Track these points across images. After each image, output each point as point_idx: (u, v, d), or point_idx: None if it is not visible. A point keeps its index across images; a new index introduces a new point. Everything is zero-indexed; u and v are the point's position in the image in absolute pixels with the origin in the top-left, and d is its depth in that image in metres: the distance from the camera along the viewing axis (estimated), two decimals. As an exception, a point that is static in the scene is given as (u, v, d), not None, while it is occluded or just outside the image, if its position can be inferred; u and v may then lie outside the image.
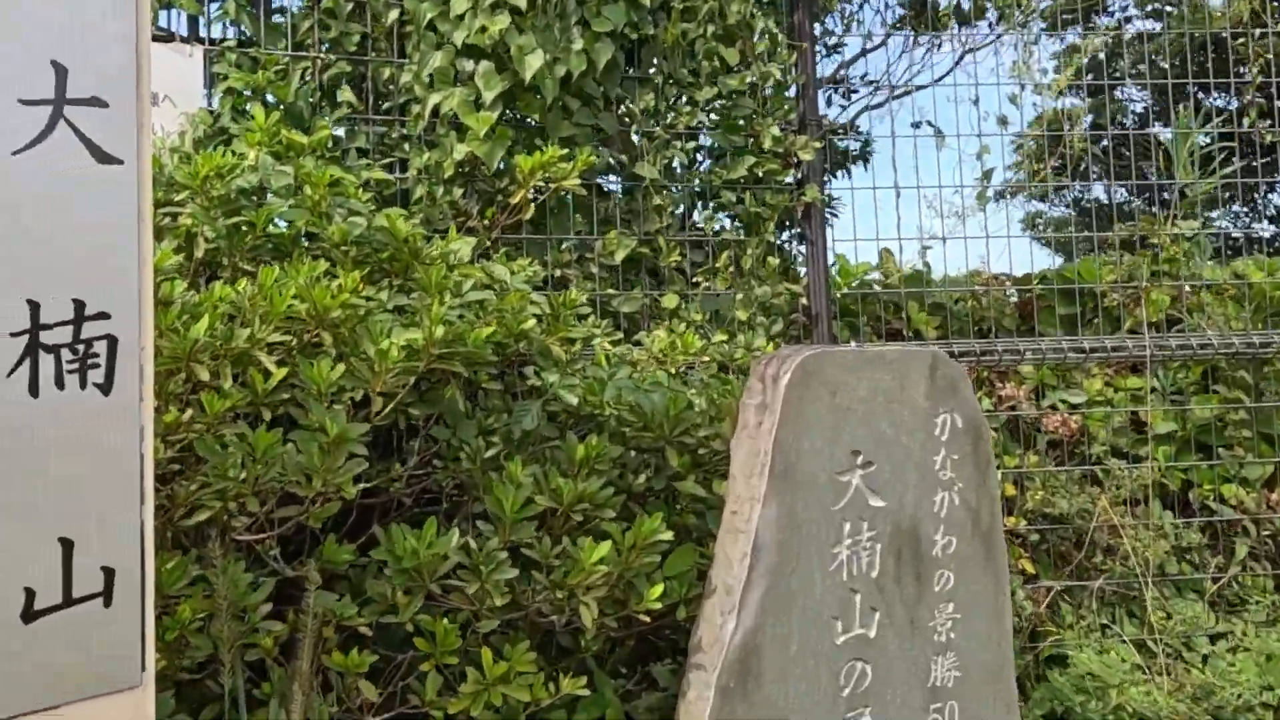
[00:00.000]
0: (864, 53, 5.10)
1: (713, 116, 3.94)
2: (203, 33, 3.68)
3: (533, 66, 3.47)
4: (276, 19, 3.73)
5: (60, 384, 1.52)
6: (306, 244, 2.84)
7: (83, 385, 1.54)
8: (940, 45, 4.95)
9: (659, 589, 2.37)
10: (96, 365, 1.55)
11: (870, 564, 2.50)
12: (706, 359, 3.24)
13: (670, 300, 3.72)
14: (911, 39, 4.96)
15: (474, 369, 2.51)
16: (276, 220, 2.82)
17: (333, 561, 2.37)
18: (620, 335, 3.45)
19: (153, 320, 1.64)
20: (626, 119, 3.86)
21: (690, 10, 3.85)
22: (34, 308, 1.49)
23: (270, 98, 3.41)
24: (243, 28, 3.59)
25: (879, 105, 5.70)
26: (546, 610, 2.43)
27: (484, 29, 3.50)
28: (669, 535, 2.39)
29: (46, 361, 1.50)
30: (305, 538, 2.50)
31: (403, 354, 2.27)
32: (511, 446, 2.66)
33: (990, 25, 5.14)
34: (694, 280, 3.87)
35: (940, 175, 5.82)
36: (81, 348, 1.54)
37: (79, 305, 1.53)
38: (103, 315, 1.56)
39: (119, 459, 1.59)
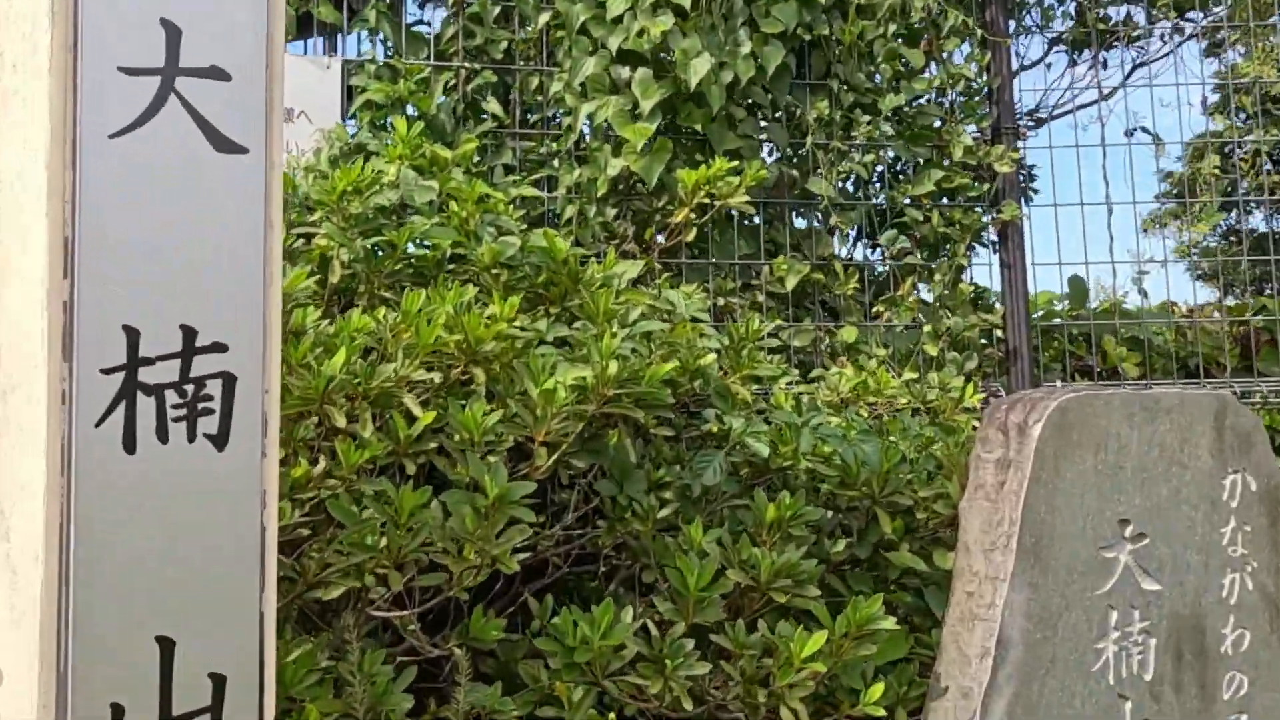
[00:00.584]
0: (1044, 56, 4.58)
1: (895, 125, 3.49)
2: (341, 46, 3.43)
3: (699, 71, 3.09)
4: (419, 28, 3.45)
5: (163, 435, 1.17)
6: (452, 267, 2.51)
7: (191, 437, 1.19)
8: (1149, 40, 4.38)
9: (879, 689, 1.91)
10: (210, 411, 1.20)
11: (1143, 664, 1.98)
12: (905, 402, 2.77)
13: (849, 333, 3.27)
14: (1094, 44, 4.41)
15: (648, 412, 2.11)
16: (419, 241, 2.49)
17: (480, 638, 1.98)
18: (797, 373, 3.01)
19: (280, 355, 1.29)
20: (798, 130, 3.44)
21: (869, 7, 3.42)
22: (131, 336, 1.15)
23: (411, 110, 3.12)
24: (384, 37, 3.32)
25: (1063, 113, 5.16)
26: (733, 707, 1.99)
27: (643, 32, 3.14)
28: (890, 623, 1.94)
29: (146, 406, 1.16)
30: (448, 606, 2.14)
31: (571, 395, 1.88)
32: (687, 504, 2.25)
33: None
34: (874, 310, 3.40)
35: (1135, 191, 5.18)
36: (191, 388, 1.19)
37: (188, 334, 1.19)
38: (218, 347, 1.21)
39: (234, 532, 1.23)
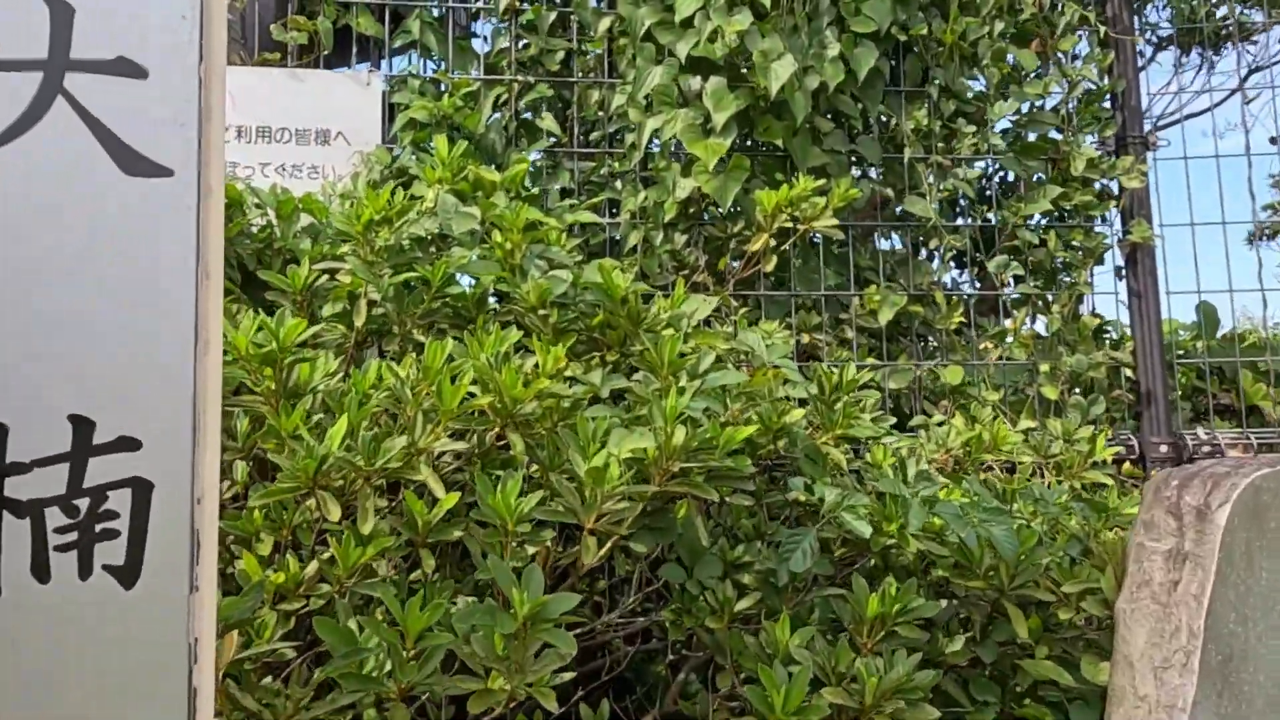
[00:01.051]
0: (1178, 55, 4.10)
1: (1005, 136, 3.08)
2: (384, 61, 3.14)
3: (780, 76, 2.72)
4: (468, 39, 3.14)
5: (42, 573, 0.84)
6: (495, 306, 2.17)
7: (85, 572, 0.86)
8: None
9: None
10: (113, 534, 0.87)
11: (1366, 818, 1.53)
12: (1028, 460, 2.35)
13: (953, 374, 2.85)
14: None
15: (722, 486, 1.74)
16: (458, 276, 2.16)
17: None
18: (892, 421, 2.61)
19: (218, 446, 0.95)
20: (892, 143, 3.04)
21: (972, 4, 3.01)
22: (-4, 435, 0.82)
23: (457, 129, 2.81)
24: (429, 48, 3.02)
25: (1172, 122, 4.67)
26: None
27: (716, 35, 2.79)
28: (1032, 759, 1.53)
29: (17, 531, 0.83)
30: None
31: (626, 472, 1.52)
32: (770, 591, 1.86)
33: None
34: (981, 347, 2.98)
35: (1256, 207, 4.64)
36: (85, 503, 0.85)
37: (82, 426, 0.85)
38: (126, 443, 0.87)
39: (149, 701, 0.89)
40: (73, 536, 0.85)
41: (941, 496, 1.95)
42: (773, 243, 2.74)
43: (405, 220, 2.18)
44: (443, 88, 2.99)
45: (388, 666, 1.28)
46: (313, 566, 1.35)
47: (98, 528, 0.86)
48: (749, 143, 2.98)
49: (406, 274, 2.11)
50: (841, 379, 2.07)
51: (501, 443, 1.69)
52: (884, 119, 3.05)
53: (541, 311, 2.01)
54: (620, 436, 1.56)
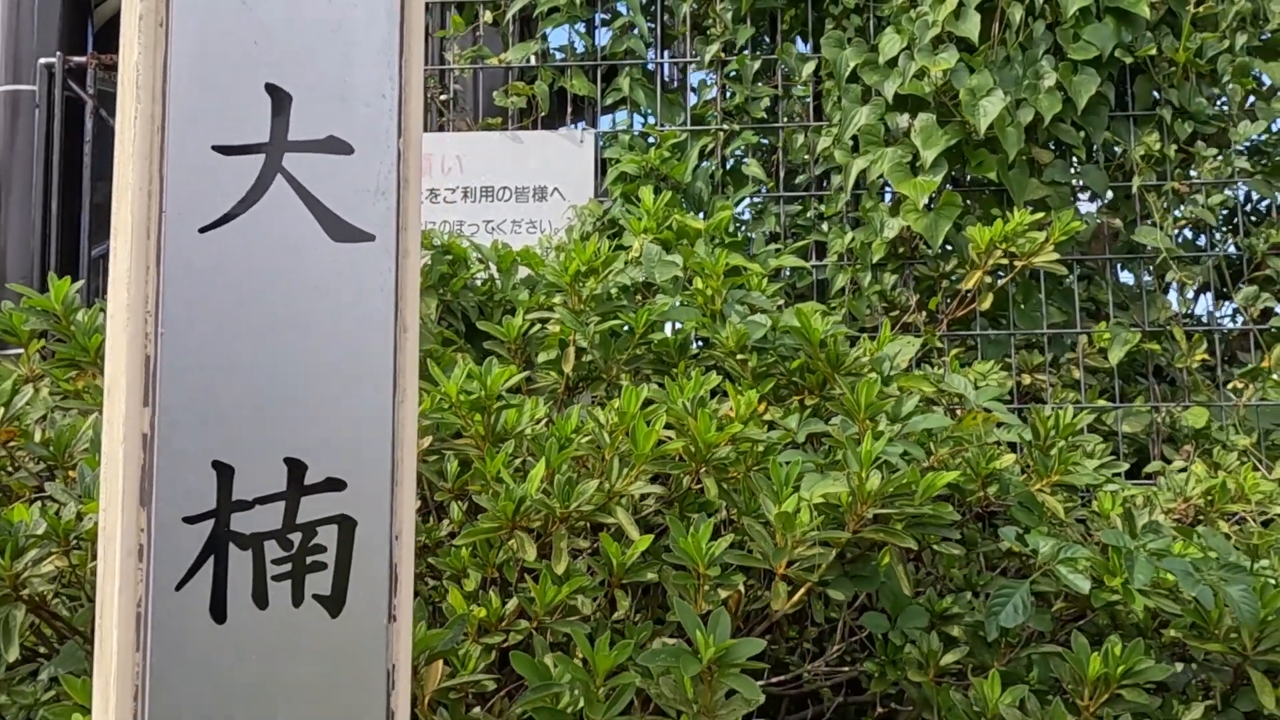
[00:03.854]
0: None
1: (1250, 158, 2.83)
2: (596, 118, 3.28)
3: (989, 114, 2.64)
4: (676, 92, 3.24)
5: (261, 599, 0.93)
6: (696, 352, 2.21)
7: (298, 600, 0.95)
8: None
9: None
10: (322, 566, 0.96)
11: None
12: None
13: (1197, 416, 2.63)
14: None
15: (924, 534, 1.68)
16: (662, 322, 2.22)
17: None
18: (1124, 468, 2.43)
19: (414, 489, 1.02)
20: (1120, 170, 2.87)
21: (1208, 18, 2.81)
22: (223, 474, 0.92)
23: (665, 180, 2.90)
24: (639, 103, 3.14)
25: None
26: None
27: (923, 74, 2.74)
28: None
29: (240, 562, 0.93)
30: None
31: (818, 517, 1.50)
32: (980, 646, 1.78)
33: None
34: (1229, 386, 2.74)
35: None
36: (298, 538, 0.95)
37: (295, 469, 0.95)
38: (333, 484, 0.96)
39: (352, 714, 0.96)
40: (287, 567, 0.94)
41: (1175, 550, 1.80)
42: (988, 280, 2.65)
43: (611, 270, 2.27)
44: (651, 141, 3.09)
45: (580, 706, 1.32)
46: (513, 603, 1.42)
47: (308, 560, 0.95)
48: (961, 178, 2.89)
49: (612, 322, 2.18)
50: (1059, 421, 1.96)
51: (698, 486, 1.71)
52: (1111, 146, 2.89)
53: (740, 356, 2.03)
54: (812, 481, 1.55)
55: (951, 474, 1.64)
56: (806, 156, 3.06)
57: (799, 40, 3.10)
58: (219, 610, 0.92)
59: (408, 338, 1.01)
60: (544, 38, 3.07)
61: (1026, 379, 2.82)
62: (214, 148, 0.93)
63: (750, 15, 3.04)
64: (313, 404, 0.96)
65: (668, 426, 1.66)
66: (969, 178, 2.89)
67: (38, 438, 1.74)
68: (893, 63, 2.79)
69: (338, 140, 0.98)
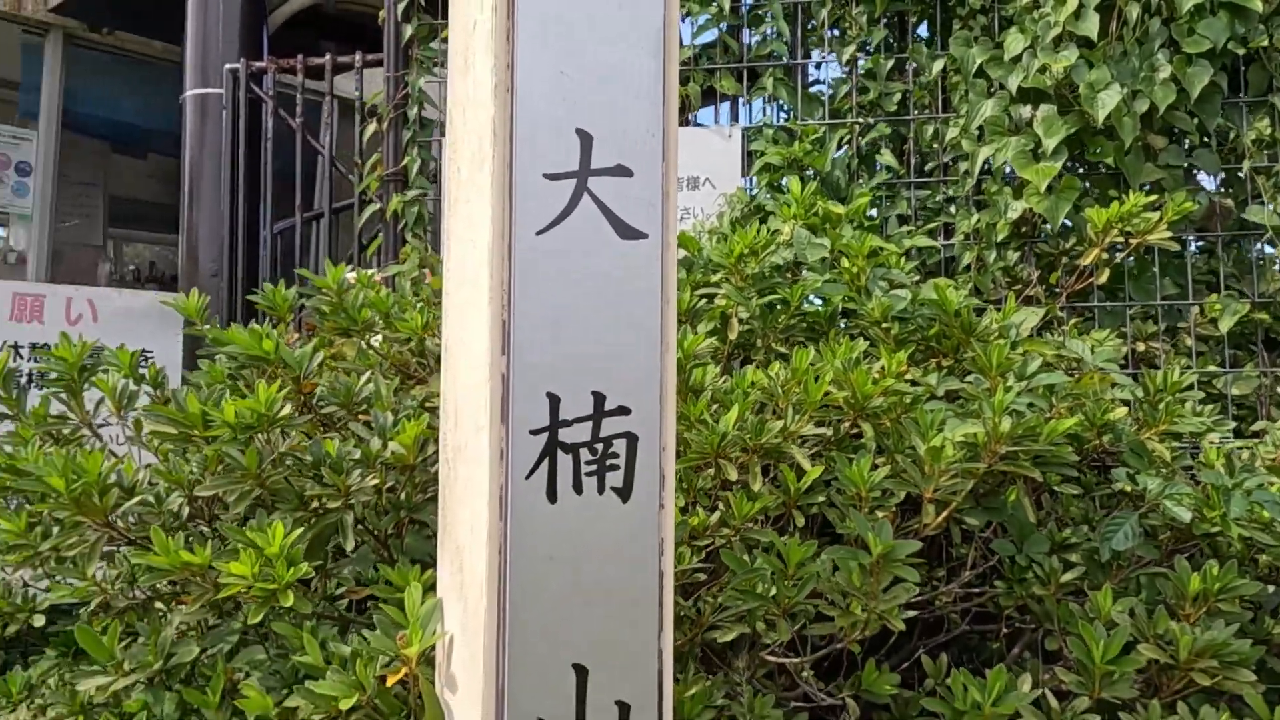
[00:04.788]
0: None
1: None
2: (741, 112, 3.64)
3: (1106, 106, 2.91)
4: (815, 89, 3.58)
5: (578, 487, 1.34)
6: (843, 321, 2.57)
7: (601, 489, 1.36)
8: None
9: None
10: (616, 467, 1.36)
11: None
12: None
13: (1302, 380, 2.86)
14: None
15: (1047, 470, 2.02)
16: (812, 297, 2.58)
17: (872, 690, 1.99)
18: (1231, 426, 2.70)
19: (674, 413, 1.43)
20: (1233, 154, 3.10)
21: (1321, 9, 3.01)
22: (554, 403, 1.34)
23: (806, 169, 3.24)
24: (781, 103, 3.49)
25: None
26: (1149, 796, 1.82)
27: (1044, 69, 3.01)
28: (1348, 721, 1.68)
29: (564, 462, 1.34)
30: (841, 657, 2.17)
31: (959, 452, 1.86)
32: (1095, 568, 2.10)
33: None
34: (1335, 353, 2.96)
35: None
36: (600, 447, 1.36)
37: (599, 399, 1.36)
38: (623, 410, 1.37)
39: (637, 575, 1.37)
40: (594, 467, 1.35)
41: (1272, 489, 2.09)
42: (1104, 256, 2.92)
43: (767, 252, 2.63)
44: (792, 133, 3.44)
45: (773, 592, 1.71)
46: (716, 516, 1.82)
47: (607, 462, 1.36)
48: (1080, 163, 3.16)
49: (769, 296, 2.55)
50: (1165, 380, 2.26)
51: (854, 431, 2.08)
52: (1224, 131, 3.11)
53: (884, 325, 2.38)
54: (954, 425, 1.90)
55: (1071, 420, 1.97)
56: (935, 145, 3.36)
57: (928, 39, 3.39)
58: (551, 494, 1.33)
59: (669, 307, 1.41)
60: (696, 45, 3.44)
61: (1141, 346, 3.08)
62: (544, 175, 1.34)
63: (883, 17, 3.34)
64: (609, 353, 1.36)
65: (830, 383, 2.02)
66: (1087, 162, 3.15)
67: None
68: (1016, 59, 3.07)
69: (623, 167, 1.38)
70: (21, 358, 4.49)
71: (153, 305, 4.80)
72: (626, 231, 1.37)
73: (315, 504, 1.83)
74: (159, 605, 2.13)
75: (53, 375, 2.29)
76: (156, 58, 8.92)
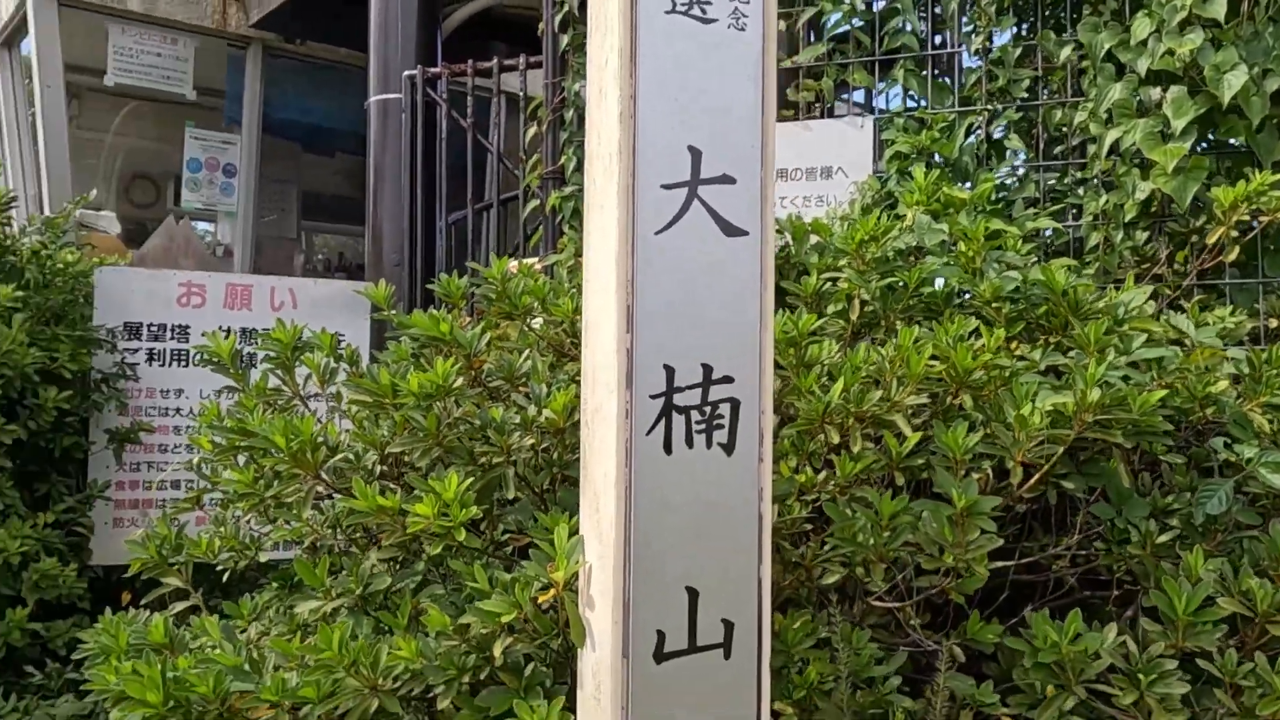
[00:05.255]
0: None
1: None
2: (873, 103, 3.82)
3: (1232, 86, 2.95)
4: (944, 78, 3.72)
5: (690, 443, 1.63)
6: (959, 301, 2.75)
7: (708, 445, 1.64)
8: None
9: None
10: (721, 426, 1.64)
11: None
12: None
13: None
14: None
15: (1141, 439, 2.16)
16: (929, 279, 2.77)
17: (977, 639, 2.20)
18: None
19: (772, 383, 1.69)
20: (1371, 129, 3.08)
21: None
22: (669, 373, 1.63)
23: (936, 156, 3.40)
24: (911, 92, 3.65)
25: None
26: (1230, 737, 1.97)
27: (1171, 52, 3.08)
28: None
29: (678, 422, 1.63)
30: (947, 608, 2.38)
31: (1046, 420, 2.04)
32: (1192, 532, 2.23)
33: None
34: None
35: None
36: (708, 409, 1.64)
37: (707, 370, 1.64)
38: (727, 380, 1.64)
39: (739, 517, 1.65)
40: (703, 426, 1.63)
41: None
42: (1233, 234, 2.97)
43: (889, 237, 2.83)
44: (924, 122, 3.60)
45: (870, 540, 1.95)
46: (824, 475, 2.07)
47: (714, 422, 1.64)
48: (1209, 143, 3.20)
49: (890, 279, 2.76)
50: (1272, 355, 2.34)
51: (957, 402, 2.28)
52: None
53: (995, 304, 2.55)
54: (1046, 395, 2.09)
55: (1161, 392, 2.11)
56: (1064, 129, 3.46)
57: (1056, 25, 3.48)
58: (668, 447, 1.62)
59: (767, 291, 1.68)
60: (829, 39, 3.64)
61: (1274, 323, 3.11)
62: (661, 185, 1.63)
63: (1012, 6, 3.46)
64: (715, 330, 1.64)
65: (933, 357, 2.23)
66: (1220, 142, 3.18)
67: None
68: (1143, 43, 3.14)
69: (728, 176, 1.65)
70: (234, 340, 5.09)
71: (343, 292, 5.34)
72: (730, 230, 1.65)
73: (484, 460, 2.19)
74: (354, 549, 2.54)
75: (271, 354, 2.75)
76: (342, 63, 9.70)
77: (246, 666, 2.12)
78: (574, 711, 1.79)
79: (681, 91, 1.63)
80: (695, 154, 1.64)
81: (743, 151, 1.65)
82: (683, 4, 1.61)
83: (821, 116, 3.70)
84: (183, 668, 2.09)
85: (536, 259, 4.65)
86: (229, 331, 5.05)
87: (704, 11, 1.62)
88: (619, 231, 1.62)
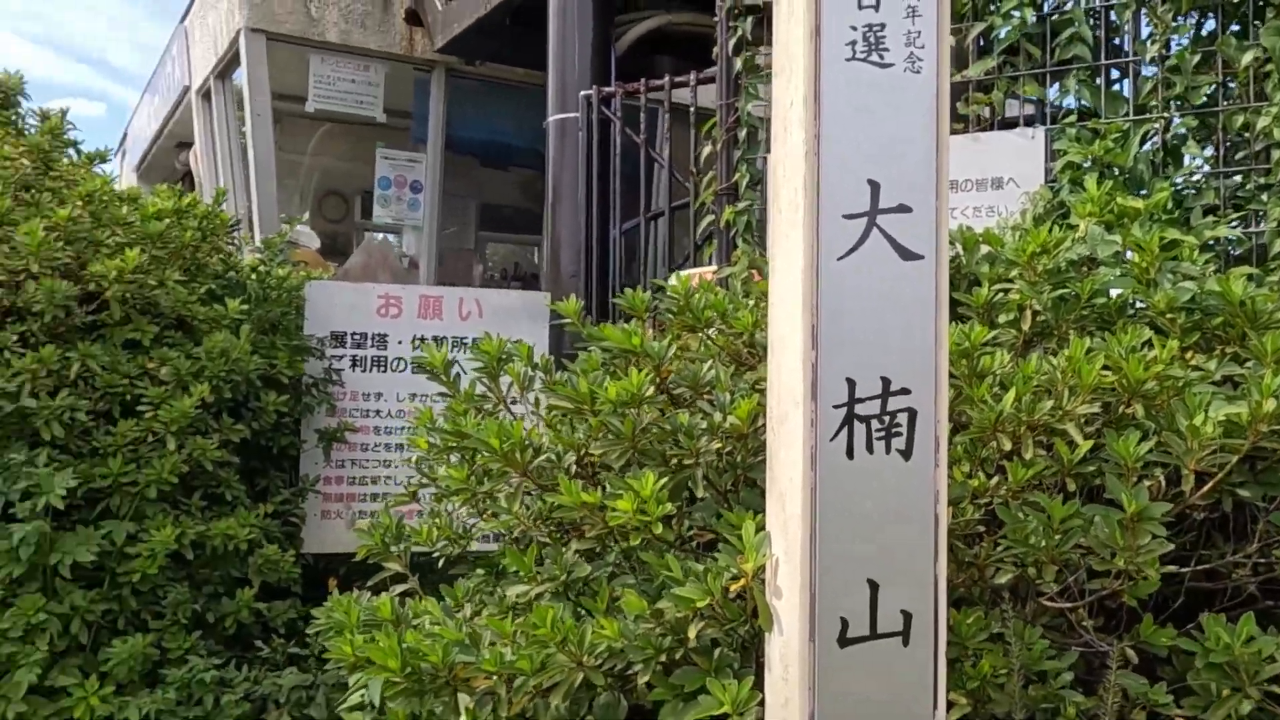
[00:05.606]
0: None
1: None
2: (1044, 114, 3.85)
3: None
4: (1118, 86, 3.72)
5: (869, 449, 1.80)
6: (1133, 312, 2.79)
7: (887, 451, 1.80)
8: None
9: None
10: (899, 434, 1.80)
11: None
12: None
13: None
14: None
15: (1320, 450, 2.18)
16: (1103, 290, 2.82)
17: (1150, 642, 2.27)
18: None
19: (946, 394, 1.84)
20: None
21: None
22: (850, 385, 1.80)
23: (1109, 166, 3.42)
24: (1083, 101, 3.67)
25: None
26: None
27: (1363, 51, 3.01)
28: None
29: (859, 429, 1.80)
30: (1120, 611, 2.44)
31: (1219, 430, 2.09)
32: (1380, 543, 2.23)
33: None
34: None
35: None
36: (887, 419, 1.80)
37: (885, 382, 1.80)
38: (904, 391, 1.80)
39: (916, 516, 1.81)
40: (882, 434, 1.80)
41: None
42: None
43: (1061, 249, 2.90)
44: (1098, 131, 3.61)
45: (1041, 542, 2.06)
46: (995, 480, 2.18)
47: (892, 430, 1.80)
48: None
49: (1061, 290, 2.83)
50: None
51: (1128, 410, 2.35)
52: None
53: (1169, 315, 2.59)
54: (1219, 405, 2.14)
55: (1342, 403, 2.13)
56: (1246, 134, 3.41)
57: (1238, 31, 3.43)
58: (849, 452, 1.80)
59: (941, 310, 1.83)
60: (999, 53, 3.70)
61: None
62: (842, 215, 1.80)
63: (1189, 13, 3.43)
64: (893, 346, 1.80)
65: (1105, 368, 2.31)
66: None
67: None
68: (1332, 45, 3.08)
69: (904, 205, 1.81)
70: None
71: (524, 302, 5.70)
72: (906, 255, 1.81)
73: (674, 461, 2.41)
74: (544, 540, 2.81)
75: (478, 364, 3.06)
76: (518, 82, 10.21)
77: (466, 641, 2.40)
78: (761, 691, 1.98)
79: (861, 130, 1.80)
80: (874, 186, 1.80)
81: (918, 182, 1.81)
82: (861, 52, 1.78)
83: (992, 128, 3.76)
84: (412, 640, 2.39)
85: (707, 269, 4.87)
86: (422, 339, 5.48)
87: (882, 58, 1.78)
88: (803, 258, 1.80)
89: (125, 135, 17.00)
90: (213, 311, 4.51)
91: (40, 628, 3.68)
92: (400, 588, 3.04)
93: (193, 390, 4.10)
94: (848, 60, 1.78)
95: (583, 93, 6.55)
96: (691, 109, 5.88)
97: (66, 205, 4.39)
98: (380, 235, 11.54)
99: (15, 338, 3.97)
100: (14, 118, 5.03)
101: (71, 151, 5.01)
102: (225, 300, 4.55)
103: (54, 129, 4.92)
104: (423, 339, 5.41)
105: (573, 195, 6.68)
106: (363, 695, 2.65)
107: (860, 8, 1.78)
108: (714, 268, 4.83)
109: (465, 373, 3.28)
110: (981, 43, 3.84)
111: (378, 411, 5.27)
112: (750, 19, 4.18)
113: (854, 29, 1.78)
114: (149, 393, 4.08)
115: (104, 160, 5.34)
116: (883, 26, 1.77)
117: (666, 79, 6.03)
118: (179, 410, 4.03)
